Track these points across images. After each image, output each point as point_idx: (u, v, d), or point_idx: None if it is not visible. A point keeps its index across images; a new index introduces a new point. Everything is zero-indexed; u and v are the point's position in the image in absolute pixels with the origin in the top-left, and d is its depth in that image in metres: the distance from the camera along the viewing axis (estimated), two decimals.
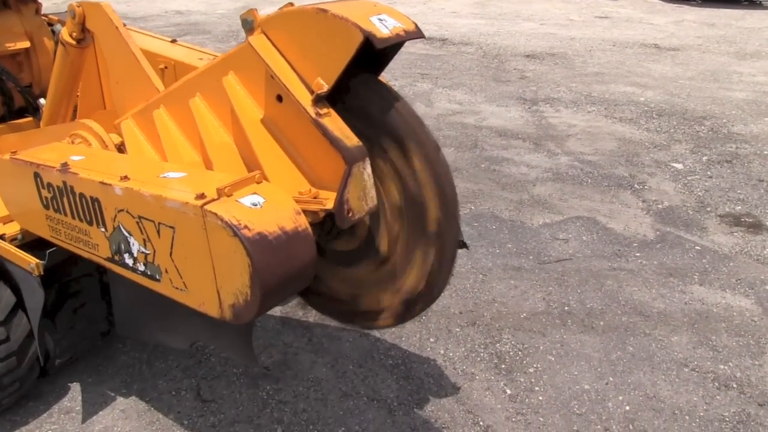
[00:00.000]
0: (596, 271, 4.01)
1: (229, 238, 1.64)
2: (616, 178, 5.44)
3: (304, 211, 1.81)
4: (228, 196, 1.72)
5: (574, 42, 10.89)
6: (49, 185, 2.25)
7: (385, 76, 2.00)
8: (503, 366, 3.18)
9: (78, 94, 3.09)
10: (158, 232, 1.87)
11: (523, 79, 8.63)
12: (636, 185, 5.31)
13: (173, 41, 3.15)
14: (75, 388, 3.13)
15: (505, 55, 10.03)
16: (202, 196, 1.72)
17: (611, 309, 3.62)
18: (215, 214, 1.65)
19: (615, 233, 4.50)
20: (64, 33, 2.73)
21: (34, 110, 3.47)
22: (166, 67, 2.90)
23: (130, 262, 2.05)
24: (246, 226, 1.64)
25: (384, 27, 1.70)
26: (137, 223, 1.93)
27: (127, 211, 1.95)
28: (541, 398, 2.97)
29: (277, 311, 3.61)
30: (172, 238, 1.83)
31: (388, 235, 2.00)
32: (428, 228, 1.89)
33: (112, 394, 3.07)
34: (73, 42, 2.72)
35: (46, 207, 2.32)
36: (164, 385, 3.11)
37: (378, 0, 1.87)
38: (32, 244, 2.62)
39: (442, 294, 3.61)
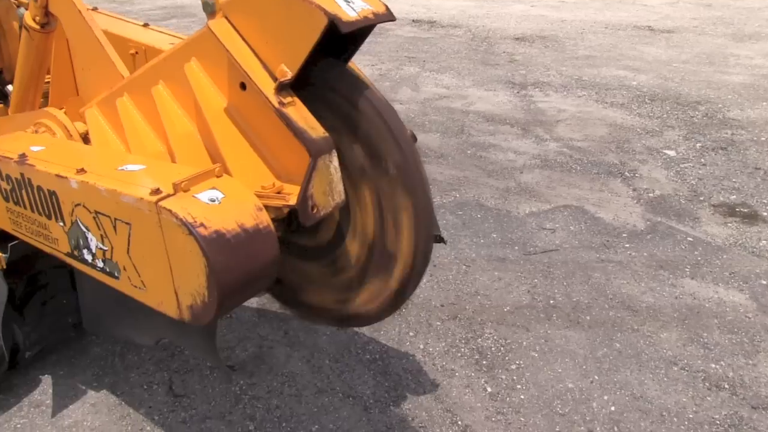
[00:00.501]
0: (583, 263, 3.93)
1: (184, 236, 1.54)
2: (606, 166, 5.36)
3: (267, 207, 1.72)
4: (184, 191, 1.63)
5: (565, 24, 10.76)
6: (8, 177, 2.15)
7: (359, 60, 1.91)
8: (484, 362, 3.11)
9: (48, 80, 2.99)
10: (115, 228, 1.77)
11: (512, 63, 8.52)
12: (626, 173, 5.23)
13: (145, 25, 3.04)
14: (46, 381, 3.05)
15: (495, 37, 9.90)
16: (157, 191, 1.62)
17: (598, 303, 3.54)
18: (170, 211, 1.56)
19: (604, 223, 4.42)
20: (27, 17, 2.61)
21: (3, 97, 3.35)
22: (136, 53, 2.79)
23: (89, 258, 1.96)
24: (202, 224, 1.54)
25: (351, 9, 1.60)
26: (94, 218, 1.84)
27: (84, 206, 1.86)
28: (522, 397, 2.90)
29: (253, 302, 3.53)
30: (129, 234, 1.74)
31: (357, 226, 1.92)
32: (397, 217, 1.80)
33: (83, 388, 2.99)
34: (37, 26, 2.60)
35: (6, 199, 2.22)
36: (136, 379, 3.02)
37: None
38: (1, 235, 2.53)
39: (423, 286, 3.57)
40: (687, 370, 3.05)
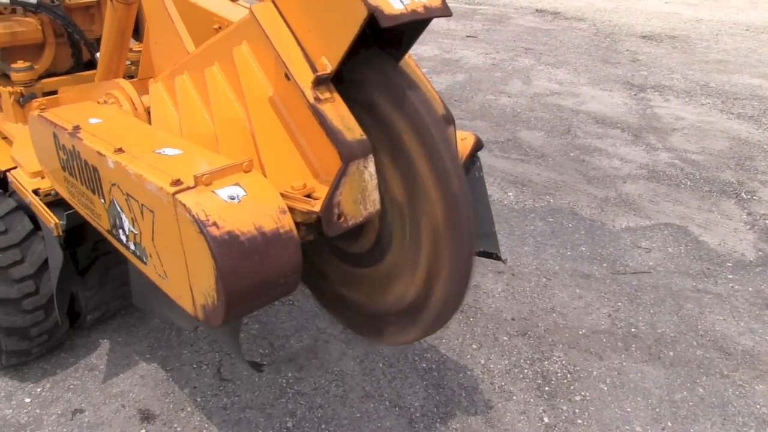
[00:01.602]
0: (677, 291, 3.56)
1: (196, 233, 1.44)
2: (720, 184, 4.87)
3: (293, 210, 1.59)
4: (206, 185, 1.52)
5: (699, 24, 9.97)
6: (64, 147, 2.14)
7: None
8: (547, 388, 2.86)
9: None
10: (142, 213, 1.70)
11: (634, 62, 7.96)
12: (743, 194, 4.73)
13: (234, 0, 2.97)
14: (104, 346, 3.10)
15: (620, 34, 9.31)
16: (177, 182, 1.52)
17: (686, 338, 3.19)
18: (184, 205, 1.45)
19: (707, 248, 4.00)
20: None
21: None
22: (220, 27, 2.72)
23: (123, 238, 1.91)
24: (215, 223, 1.43)
25: (398, 1, 1.42)
26: (126, 200, 1.78)
27: (118, 186, 1.80)
28: None
29: None
30: (153, 222, 1.66)
31: (394, 241, 1.75)
32: (434, 232, 1.61)
33: (137, 358, 3.01)
34: None
35: (63, 168, 2.22)
36: (187, 356, 3.01)
37: None
38: (63, 202, 2.55)
39: (496, 295, 3.35)
40: None
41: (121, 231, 1.90)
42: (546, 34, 9.33)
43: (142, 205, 1.68)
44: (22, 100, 3.06)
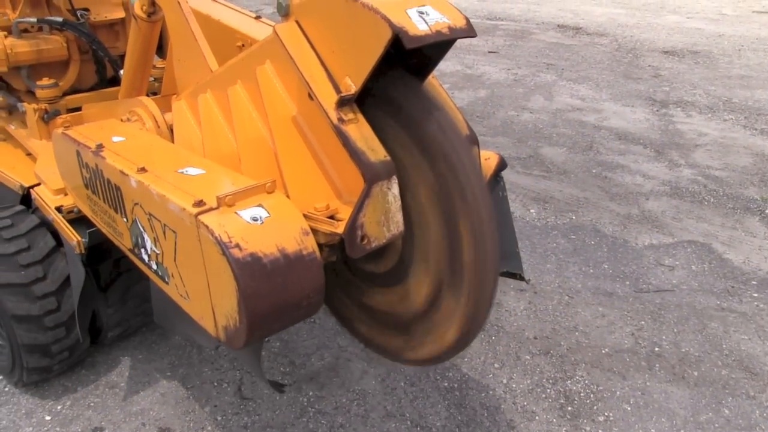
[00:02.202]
0: (701, 309, 3.50)
1: (219, 255, 1.43)
2: (744, 200, 4.79)
3: (316, 231, 1.58)
4: (228, 206, 1.51)
5: (721, 39, 9.88)
6: (87, 165, 2.15)
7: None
8: (570, 408, 2.82)
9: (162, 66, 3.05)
10: (164, 233, 1.70)
11: (656, 78, 7.90)
12: (767, 211, 4.66)
13: (257, 17, 2.98)
14: (125, 363, 3.10)
15: (641, 49, 9.25)
16: (200, 203, 1.52)
17: (710, 358, 3.13)
18: (207, 227, 1.45)
19: (732, 266, 3.94)
20: (137, 6, 2.63)
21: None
22: (243, 45, 2.74)
23: (145, 258, 1.91)
24: (237, 245, 1.42)
25: (422, 22, 1.41)
26: (148, 219, 1.78)
27: (141, 206, 1.80)
28: None
29: None
30: (175, 242, 1.65)
31: (419, 261, 1.73)
32: (460, 261, 1.59)
33: (158, 375, 3.01)
34: (144, 15, 2.61)
35: (86, 186, 2.23)
36: (208, 374, 3.01)
37: None
38: (86, 219, 2.56)
39: (519, 314, 3.32)
40: None
41: (143, 250, 1.90)
42: (568, 49, 9.30)
43: (165, 225, 1.68)
44: (47, 117, 3.10)
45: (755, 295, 3.65)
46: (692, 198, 4.83)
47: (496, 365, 3.08)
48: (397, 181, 1.55)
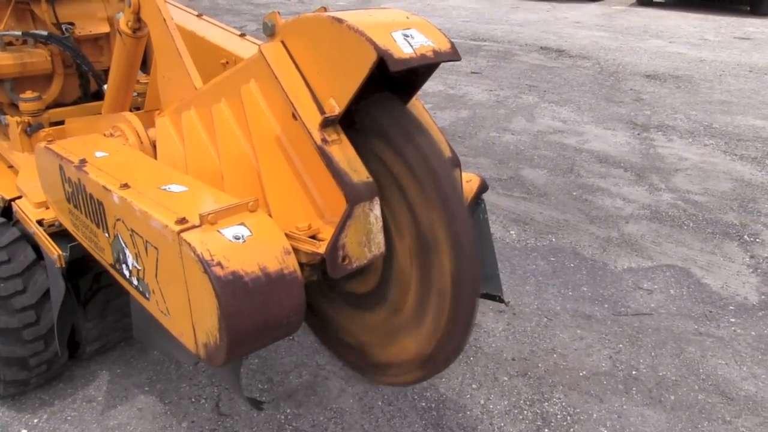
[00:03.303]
0: (678, 333, 3.54)
1: (200, 273, 1.44)
2: (723, 225, 4.87)
3: (298, 251, 1.59)
4: (211, 224, 1.52)
5: (703, 64, 10.05)
6: (69, 179, 2.15)
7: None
8: (546, 430, 2.83)
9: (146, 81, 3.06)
10: (146, 250, 1.70)
11: (637, 102, 8.02)
12: (746, 236, 4.72)
13: (242, 35, 3.01)
14: (103, 377, 3.08)
15: (623, 73, 9.39)
16: (182, 220, 1.53)
17: (687, 382, 3.16)
18: (189, 244, 1.45)
19: (709, 290, 3.99)
20: (122, 22, 2.64)
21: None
22: (227, 62, 2.75)
23: (126, 273, 1.91)
24: (219, 263, 1.43)
25: (407, 45, 1.44)
26: (130, 235, 1.78)
27: (123, 222, 1.80)
28: None
29: None
30: (156, 259, 1.66)
31: (400, 282, 1.74)
32: (440, 284, 1.61)
33: (135, 390, 2.99)
34: (129, 31, 2.63)
35: (68, 200, 2.23)
36: (186, 390, 2.99)
37: (412, 12, 1.60)
38: (67, 233, 2.56)
39: (497, 335, 3.33)
40: None
41: (124, 266, 1.90)
42: (550, 71, 9.42)
43: (147, 241, 1.68)
44: (30, 130, 3.09)
45: (732, 320, 3.70)
46: (672, 222, 4.90)
47: (473, 386, 3.09)
48: (379, 202, 1.56)
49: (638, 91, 8.50)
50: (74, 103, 3.46)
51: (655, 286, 4.00)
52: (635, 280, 4.06)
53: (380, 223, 1.58)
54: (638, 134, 6.88)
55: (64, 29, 3.20)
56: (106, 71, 3.50)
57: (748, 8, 15.08)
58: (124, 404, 2.92)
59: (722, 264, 4.31)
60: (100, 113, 3.12)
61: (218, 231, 1.50)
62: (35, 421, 2.80)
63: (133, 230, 1.75)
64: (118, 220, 1.83)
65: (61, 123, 3.15)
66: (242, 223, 1.54)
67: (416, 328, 1.73)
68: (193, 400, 2.94)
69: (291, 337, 3.37)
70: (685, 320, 3.66)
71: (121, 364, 3.16)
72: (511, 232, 4.67)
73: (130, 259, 1.83)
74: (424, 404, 2.96)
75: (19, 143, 3.10)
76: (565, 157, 6.21)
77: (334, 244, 1.51)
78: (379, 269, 1.77)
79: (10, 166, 3.22)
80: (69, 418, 2.83)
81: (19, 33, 3.03)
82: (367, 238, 1.57)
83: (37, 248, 2.66)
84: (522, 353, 3.33)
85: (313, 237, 1.60)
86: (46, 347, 2.71)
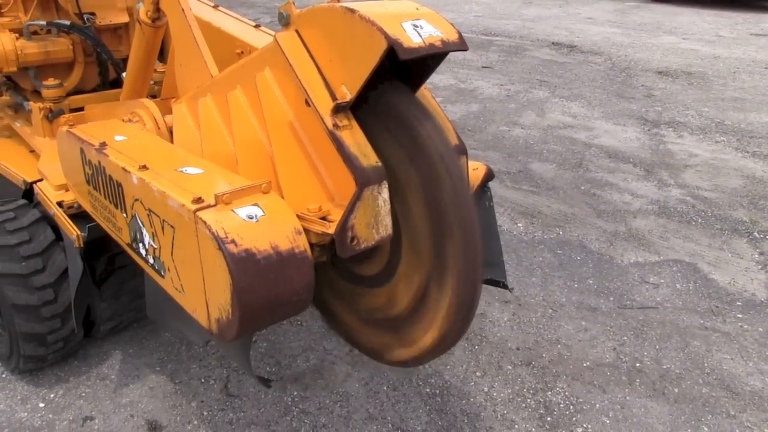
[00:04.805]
0: (684, 327, 3.58)
1: (214, 249, 1.51)
2: (732, 222, 4.89)
3: (309, 231, 1.65)
4: (226, 204, 1.59)
5: (717, 61, 10.01)
6: (90, 162, 2.22)
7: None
8: (549, 419, 2.89)
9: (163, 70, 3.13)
10: (162, 228, 1.78)
11: (649, 98, 8.02)
12: (756, 233, 4.74)
13: (257, 26, 3.08)
14: (116, 356, 3.16)
15: (635, 69, 9.38)
16: (199, 200, 1.60)
17: (692, 375, 3.20)
18: (204, 222, 1.52)
19: (717, 286, 4.02)
20: (142, 12, 2.70)
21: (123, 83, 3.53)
22: (242, 52, 2.82)
23: (143, 252, 1.98)
24: (233, 241, 1.50)
25: (416, 35, 1.50)
26: (148, 215, 1.85)
27: (141, 202, 1.88)
28: None
29: None
30: (173, 237, 1.73)
31: (407, 266, 1.80)
32: (444, 267, 1.67)
33: (147, 370, 3.07)
34: (148, 21, 2.69)
35: (88, 182, 2.31)
36: (196, 371, 3.07)
37: (422, 3, 1.65)
38: (85, 215, 2.63)
39: (502, 324, 3.39)
40: None
41: (141, 245, 1.97)
42: (561, 67, 9.43)
43: (164, 220, 1.75)
44: (51, 116, 3.17)
45: (739, 315, 3.73)
46: (680, 218, 4.93)
47: (477, 374, 3.15)
48: (387, 185, 1.62)
49: (650, 88, 8.50)
50: (93, 90, 3.54)
51: (662, 281, 4.04)
52: (641, 274, 4.10)
53: (388, 206, 1.64)
54: (648, 130, 6.89)
55: (85, 19, 3.27)
56: (125, 60, 3.58)
57: (766, 3, 14.94)
58: (135, 383, 3.00)
59: (730, 260, 4.34)
60: (118, 100, 3.20)
61: (232, 210, 1.57)
62: (51, 396, 2.88)
63: (150, 210, 1.82)
64: (136, 200, 1.90)
65: (81, 109, 3.22)
66: (255, 204, 1.61)
67: (419, 312, 1.79)
68: (202, 380, 3.02)
69: (299, 322, 3.45)
70: (690, 314, 3.69)
71: (134, 345, 3.24)
72: (519, 224, 4.71)
73: (147, 238, 1.91)
74: (428, 390, 3.02)
75: (41, 128, 3.18)
76: (574, 151, 6.24)
77: (344, 225, 1.57)
78: (386, 252, 1.84)
79: (32, 151, 3.30)
80: (83, 394, 2.91)
81: (44, 23, 3.11)
82: (375, 220, 1.63)
83: (56, 229, 2.75)
84: (526, 343, 3.39)
85: (324, 218, 1.66)
86: (63, 324, 2.79)
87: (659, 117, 7.32)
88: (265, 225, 1.57)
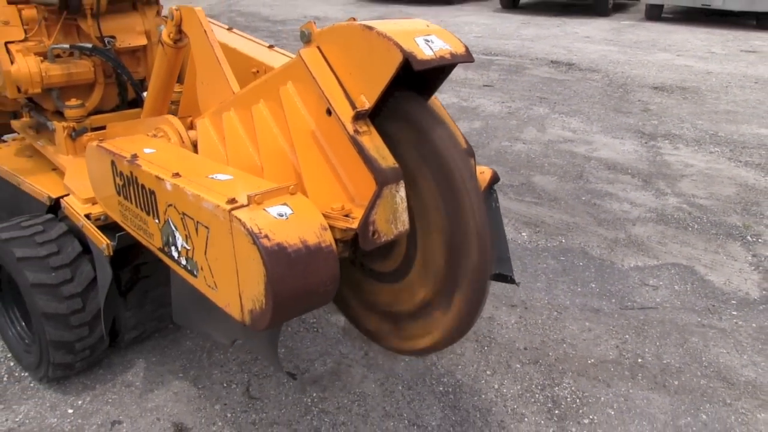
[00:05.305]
0: (682, 325, 3.72)
1: (249, 244, 1.66)
2: (726, 227, 5.05)
3: (333, 228, 1.81)
4: (257, 203, 1.74)
5: (710, 76, 10.24)
6: (121, 173, 2.38)
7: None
8: (557, 411, 3.02)
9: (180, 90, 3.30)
10: (196, 230, 1.93)
11: (645, 112, 8.22)
12: (749, 237, 4.90)
13: (270, 47, 3.25)
14: (139, 364, 3.30)
15: (632, 85, 9.59)
16: (233, 200, 1.75)
17: (690, 369, 3.34)
18: (239, 220, 1.68)
19: (713, 286, 4.17)
20: (164, 34, 2.88)
21: (143, 102, 3.69)
22: (257, 71, 2.99)
23: (175, 254, 2.13)
24: (266, 236, 1.65)
25: (428, 48, 1.67)
26: (181, 219, 2.00)
27: (174, 207, 2.03)
28: None
29: (340, 321, 3.64)
30: (207, 237, 1.88)
31: (422, 262, 1.96)
32: (456, 259, 1.83)
33: (170, 377, 3.21)
34: (171, 42, 2.86)
35: (118, 193, 2.46)
36: (218, 376, 3.20)
37: (431, 22, 1.83)
38: (112, 226, 2.79)
39: (509, 326, 3.53)
40: None
41: (173, 248, 2.13)
42: (560, 84, 9.64)
43: (198, 222, 1.91)
44: (75, 134, 3.34)
45: (734, 313, 3.87)
46: (677, 224, 5.08)
47: (488, 372, 3.29)
48: (403, 185, 1.78)
49: (646, 102, 8.70)
50: (112, 110, 3.71)
51: (661, 283, 4.18)
52: (641, 277, 4.25)
53: (405, 204, 1.80)
54: (645, 143, 7.07)
55: (106, 42, 3.45)
56: (143, 81, 3.77)
57: (755, 22, 15.25)
58: (160, 388, 3.13)
59: (725, 262, 4.49)
60: (136, 119, 3.37)
61: (264, 209, 1.73)
62: (79, 402, 3.02)
63: (184, 213, 1.97)
64: (169, 205, 2.06)
65: (101, 128, 3.39)
66: (285, 203, 1.77)
67: (422, 317, 1.96)
68: (224, 385, 3.15)
69: (315, 329, 3.59)
70: (688, 313, 3.84)
71: (156, 353, 3.38)
72: (523, 234, 4.87)
73: (180, 241, 2.06)
74: (441, 389, 3.15)
75: (64, 147, 3.35)
76: (574, 164, 6.41)
77: (366, 220, 1.73)
78: (402, 250, 1.99)
79: (54, 169, 3.46)
80: (110, 400, 3.05)
81: (68, 46, 3.28)
82: (394, 216, 1.78)
83: (82, 242, 2.90)
84: (533, 343, 3.53)
85: (346, 216, 1.82)
86: (91, 333, 2.93)
87: (656, 130, 7.51)
88: (294, 222, 1.73)
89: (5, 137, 4.30)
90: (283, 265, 1.65)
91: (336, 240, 1.80)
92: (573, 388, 3.18)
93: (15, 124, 3.86)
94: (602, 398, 3.12)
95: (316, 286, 1.73)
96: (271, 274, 1.63)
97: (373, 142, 1.78)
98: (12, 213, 3.38)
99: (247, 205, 1.74)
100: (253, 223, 1.66)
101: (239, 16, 15.89)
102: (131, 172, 2.28)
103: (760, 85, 9.81)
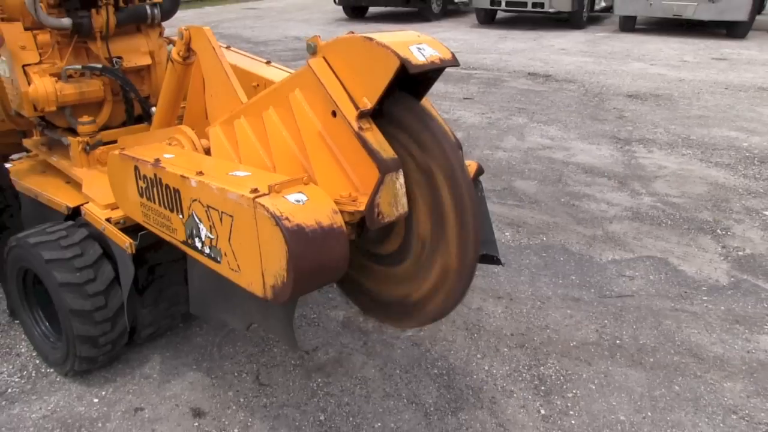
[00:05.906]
0: (657, 310, 4.03)
1: (272, 227, 1.94)
2: (698, 222, 5.38)
3: (342, 212, 2.09)
4: (277, 192, 2.03)
5: (682, 84, 10.67)
6: (144, 177, 2.65)
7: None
8: (543, 388, 3.30)
9: (184, 105, 3.57)
10: (221, 219, 2.20)
11: (620, 119, 8.60)
12: (719, 230, 5.23)
13: (268, 63, 3.54)
14: (155, 359, 3.54)
15: (607, 93, 9.99)
16: (255, 190, 2.03)
17: (664, 347, 3.64)
18: (263, 206, 1.96)
19: (685, 275, 4.48)
20: (174, 52, 3.16)
21: (148, 117, 3.95)
22: (257, 85, 3.27)
23: (199, 245, 2.40)
24: (287, 218, 1.93)
25: (420, 55, 1.97)
26: (206, 211, 2.27)
27: (199, 201, 2.30)
28: (573, 422, 3.07)
29: (339, 316, 3.90)
30: (231, 225, 2.15)
31: (417, 244, 2.25)
32: (448, 237, 2.11)
33: (185, 369, 3.45)
34: (180, 59, 3.14)
35: (141, 195, 2.73)
36: (229, 367, 3.46)
37: (421, 33, 2.13)
38: (131, 228, 3.05)
39: (497, 315, 3.81)
40: (747, 420, 3.10)
41: (197, 239, 2.39)
42: (538, 95, 10.01)
43: (222, 212, 2.18)
44: (89, 148, 3.60)
45: (705, 298, 4.18)
46: (651, 221, 5.41)
47: (478, 356, 3.57)
48: (402, 173, 2.07)
49: (621, 110, 9.09)
50: (120, 125, 3.97)
51: (636, 273, 4.49)
52: (618, 269, 4.56)
53: (404, 189, 2.09)
54: (621, 147, 7.43)
55: (114, 62, 3.72)
56: (147, 97, 4.04)
57: (725, 31, 15.80)
58: (176, 379, 3.38)
59: (697, 254, 4.81)
60: (146, 132, 3.63)
61: (283, 197, 2.01)
62: (103, 393, 3.26)
63: (209, 206, 2.24)
64: (194, 200, 2.33)
65: (111, 142, 3.64)
66: (300, 192, 2.05)
67: (426, 278, 2.23)
68: (235, 374, 3.41)
69: (316, 323, 3.85)
70: (662, 300, 4.15)
71: (170, 349, 3.63)
72: (506, 233, 5.17)
73: (204, 232, 2.33)
74: (436, 371, 3.43)
75: (79, 160, 3.60)
76: (553, 169, 6.74)
77: (371, 203, 2.02)
78: (401, 233, 2.28)
79: (68, 182, 3.71)
80: (131, 390, 3.29)
81: (80, 66, 3.55)
82: (395, 200, 2.07)
83: (102, 245, 3.16)
84: (519, 330, 3.81)
85: (354, 201, 2.11)
86: (113, 328, 3.18)
87: (630, 135, 7.88)
88: (310, 207, 2.01)
89: (12, 157, 4.55)
90: (302, 243, 1.93)
91: (345, 223, 2.08)
92: (557, 368, 3.46)
93: (27, 142, 4.12)
94: (584, 375, 3.40)
95: (329, 263, 2.02)
96: (293, 250, 1.91)
97: (375, 137, 2.07)
98: (31, 224, 3.63)
99: (268, 194, 2.02)
100: (275, 208, 1.94)
101: (221, 39, 15.95)
102: (155, 174, 2.55)
103: (730, 90, 10.24)
